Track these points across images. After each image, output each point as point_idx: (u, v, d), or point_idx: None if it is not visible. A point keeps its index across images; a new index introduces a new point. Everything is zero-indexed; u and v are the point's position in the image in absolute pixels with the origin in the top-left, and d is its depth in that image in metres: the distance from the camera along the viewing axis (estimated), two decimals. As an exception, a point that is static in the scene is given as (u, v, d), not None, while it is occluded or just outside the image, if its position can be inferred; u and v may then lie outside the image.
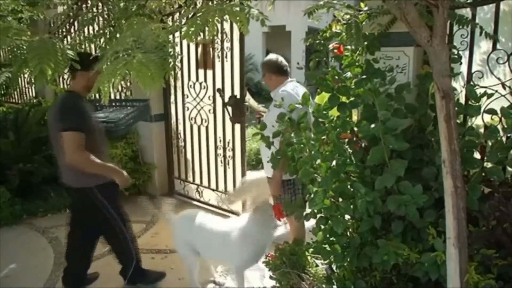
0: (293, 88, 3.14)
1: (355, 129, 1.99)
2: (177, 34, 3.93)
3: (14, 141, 4.76)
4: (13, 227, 4.23)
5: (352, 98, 1.97)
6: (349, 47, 2.10)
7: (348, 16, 2.16)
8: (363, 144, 2.01)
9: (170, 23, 4.05)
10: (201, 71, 4.44)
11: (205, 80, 4.34)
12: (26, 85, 7.26)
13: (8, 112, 5.78)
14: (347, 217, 1.96)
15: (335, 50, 2.07)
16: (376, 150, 1.74)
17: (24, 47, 2.06)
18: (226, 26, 3.92)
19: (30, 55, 1.85)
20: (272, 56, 3.33)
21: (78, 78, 2.55)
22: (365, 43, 2.06)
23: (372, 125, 1.77)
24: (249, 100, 6.95)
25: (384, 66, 2.07)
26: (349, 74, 2.04)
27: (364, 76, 1.92)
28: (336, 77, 1.96)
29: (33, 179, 4.60)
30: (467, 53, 2.26)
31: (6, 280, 3.27)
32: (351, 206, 1.85)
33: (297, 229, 3.15)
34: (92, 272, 3.19)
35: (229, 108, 4.12)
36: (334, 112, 1.98)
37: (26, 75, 2.98)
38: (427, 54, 1.64)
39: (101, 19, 3.43)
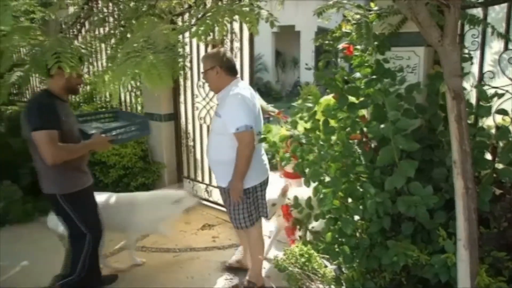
0: (250, 93, 2.78)
1: (365, 129, 1.98)
2: (186, 34, 3.96)
3: (26, 140, 4.82)
4: (24, 224, 4.28)
5: (361, 99, 1.96)
6: (358, 47, 2.10)
7: (358, 16, 2.15)
8: (372, 145, 2.00)
9: (180, 23, 4.08)
10: (210, 71, 4.44)
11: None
12: (38, 85, 7.36)
13: (20, 111, 5.84)
14: (356, 218, 1.96)
15: (345, 50, 2.06)
16: (385, 150, 1.73)
17: (39, 47, 2.09)
18: (236, 26, 3.93)
19: (48, 54, 1.87)
20: (221, 49, 2.90)
21: (55, 78, 2.47)
22: (375, 43, 2.05)
23: (382, 126, 1.77)
24: (258, 100, 6.94)
25: (394, 66, 2.06)
26: (358, 74, 2.04)
27: (374, 76, 1.92)
28: (346, 77, 1.96)
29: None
30: (478, 53, 2.24)
31: (18, 276, 3.32)
32: (361, 207, 1.85)
33: (255, 242, 2.96)
34: (111, 274, 3.22)
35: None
36: (343, 113, 1.98)
37: (37, 75, 3.01)
38: (438, 54, 1.64)
39: (111, 19, 3.46)
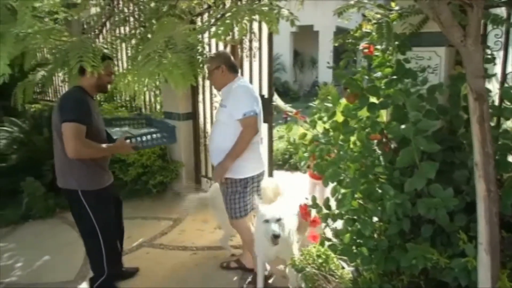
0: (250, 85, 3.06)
1: (385, 130, 1.96)
2: (205, 34, 3.99)
3: (48, 137, 4.92)
4: (46, 220, 4.39)
5: (381, 99, 1.94)
6: (379, 47, 2.08)
7: (379, 16, 2.14)
8: (392, 146, 1.98)
9: (199, 23, 4.11)
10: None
11: (233, 80, 4.36)
12: (60, 84, 7.52)
13: (43, 109, 5.99)
14: (374, 219, 1.94)
15: (365, 50, 2.05)
16: (406, 151, 1.71)
17: (64, 47, 2.14)
18: (255, 25, 3.93)
19: (71, 54, 1.92)
20: (223, 50, 3.17)
21: (88, 75, 2.47)
22: (396, 43, 2.03)
23: (403, 126, 1.75)
24: (276, 100, 6.96)
25: (415, 66, 2.04)
26: (379, 74, 2.02)
27: (394, 77, 1.90)
28: (366, 77, 1.95)
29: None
30: (501, 53, 2.20)
31: (41, 270, 3.40)
32: (379, 208, 1.83)
33: (244, 230, 3.07)
34: (132, 266, 3.27)
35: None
36: (363, 113, 1.96)
37: (60, 74, 3.07)
38: (460, 54, 1.61)
39: (132, 19, 3.51)
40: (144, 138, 2.74)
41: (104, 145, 2.59)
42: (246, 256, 3.25)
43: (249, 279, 3.14)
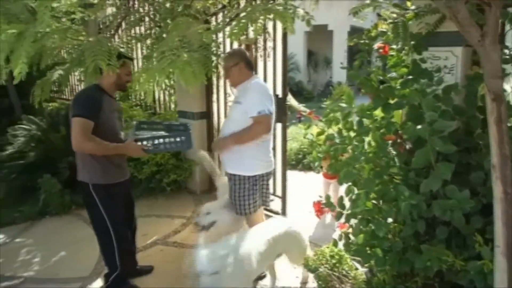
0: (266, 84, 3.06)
1: (400, 130, 1.95)
2: (219, 33, 4.00)
3: (65, 135, 5.00)
4: (62, 216, 4.46)
5: (396, 99, 1.93)
6: (394, 46, 2.07)
7: (394, 15, 2.12)
8: (407, 146, 1.97)
9: (214, 23, 4.13)
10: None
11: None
12: (77, 83, 7.63)
13: (60, 108, 6.09)
14: (389, 220, 1.93)
15: (381, 50, 2.04)
16: (421, 152, 1.70)
17: (80, 46, 2.17)
18: (269, 25, 3.93)
19: (87, 53, 1.95)
20: (240, 48, 3.17)
21: (108, 74, 2.54)
22: (412, 42, 2.01)
23: (418, 127, 1.73)
24: (290, 99, 6.93)
25: (431, 66, 2.02)
26: (394, 74, 2.00)
27: (410, 77, 1.88)
28: (381, 77, 1.93)
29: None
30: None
31: (58, 265, 3.46)
32: (394, 209, 1.82)
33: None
34: (147, 265, 3.30)
35: (270, 108, 4.13)
36: (378, 113, 1.95)
37: (76, 73, 3.12)
38: (478, 54, 1.59)
39: (147, 19, 3.54)
40: (156, 142, 2.74)
41: (111, 144, 2.62)
42: None
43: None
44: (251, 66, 2.98)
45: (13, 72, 2.03)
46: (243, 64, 2.88)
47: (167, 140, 2.78)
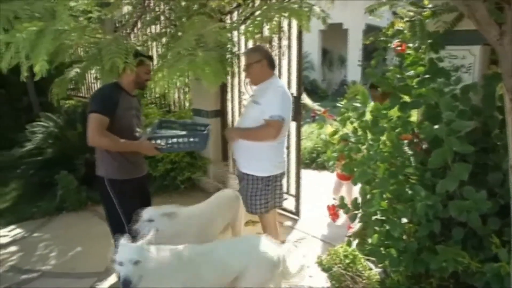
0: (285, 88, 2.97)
1: (416, 130, 1.93)
2: (234, 32, 4.00)
3: (81, 132, 5.08)
4: (78, 212, 4.53)
5: (413, 98, 1.91)
6: (411, 45, 2.04)
7: (411, 13, 2.10)
8: (423, 146, 1.95)
9: (229, 21, 4.14)
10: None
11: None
12: (93, 81, 7.73)
13: (77, 105, 6.18)
14: (404, 220, 1.91)
15: (398, 48, 2.02)
16: (438, 152, 1.68)
17: (97, 45, 2.20)
18: (284, 24, 3.92)
19: (104, 52, 1.97)
20: (264, 44, 3.10)
21: (127, 72, 2.53)
22: (429, 41, 1.99)
23: (435, 126, 1.71)
24: (304, 98, 6.92)
25: (448, 65, 1.99)
26: (411, 72, 1.98)
27: (427, 76, 1.86)
28: (398, 75, 1.91)
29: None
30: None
31: (74, 260, 3.53)
32: (409, 210, 1.80)
33: (270, 230, 3.08)
34: None
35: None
36: (393, 112, 1.94)
37: (92, 71, 3.16)
38: (496, 53, 1.57)
39: (162, 18, 3.57)
40: (170, 141, 2.76)
41: (123, 140, 2.65)
42: None
43: None
44: (273, 65, 2.92)
45: (32, 70, 2.08)
46: (266, 61, 2.82)
47: (181, 140, 2.79)
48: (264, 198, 2.95)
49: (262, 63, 2.81)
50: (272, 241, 2.94)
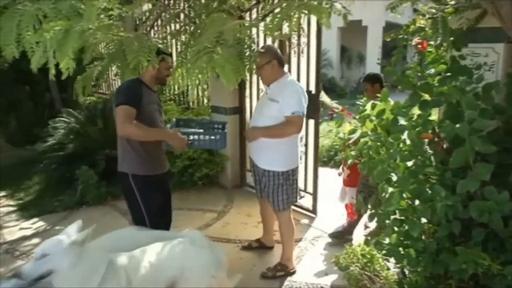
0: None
1: (437, 129, 1.90)
2: (253, 29, 4.00)
3: (102, 128, 5.18)
4: (98, 207, 4.62)
5: (434, 97, 1.88)
6: (432, 42, 2.01)
7: (433, 10, 2.07)
8: (444, 145, 1.92)
9: (248, 19, 4.14)
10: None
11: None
12: (113, 77, 7.84)
13: (98, 102, 6.28)
14: (423, 220, 1.89)
15: (419, 46, 1.99)
16: (459, 152, 1.65)
17: (119, 42, 2.23)
18: (303, 21, 3.90)
19: (127, 49, 2.01)
20: (272, 44, 3.19)
21: (148, 68, 2.62)
22: (451, 38, 1.95)
23: (457, 125, 1.68)
24: (322, 96, 6.87)
25: (471, 63, 1.96)
26: (432, 71, 1.95)
27: (448, 74, 1.83)
28: (419, 73, 1.89)
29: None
30: None
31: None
32: (429, 210, 1.78)
33: (287, 226, 3.16)
34: None
35: (303, 104, 4.12)
36: (414, 111, 1.91)
37: (113, 68, 3.21)
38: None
39: (182, 16, 3.60)
40: (191, 137, 2.81)
41: (155, 129, 2.71)
42: (284, 252, 3.23)
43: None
44: (283, 64, 3.01)
45: (57, 67, 2.13)
46: (275, 61, 2.91)
47: (201, 137, 2.85)
48: (286, 193, 3.02)
49: (273, 64, 2.90)
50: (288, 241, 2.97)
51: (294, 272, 3.19)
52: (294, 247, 3.44)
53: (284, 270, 3.19)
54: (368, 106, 2.06)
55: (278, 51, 3.04)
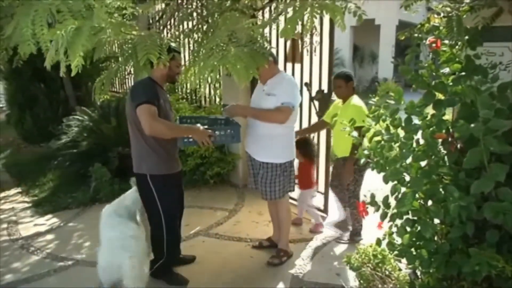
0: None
1: (451, 128, 1.88)
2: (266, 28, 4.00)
3: (115, 126, 5.23)
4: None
5: (448, 96, 1.86)
6: (446, 41, 1.99)
7: (448, 9, 2.04)
8: (458, 145, 1.89)
9: (260, 17, 4.14)
10: (289, 65, 4.47)
11: (293, 74, 4.35)
12: (126, 76, 7.92)
13: (111, 100, 6.35)
14: (436, 221, 1.87)
15: (434, 45, 1.96)
16: (474, 152, 1.63)
17: (132, 41, 2.25)
18: (315, 20, 3.89)
19: (139, 47, 2.02)
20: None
21: (159, 66, 2.62)
22: (466, 37, 1.93)
23: (472, 125, 1.66)
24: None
25: (486, 62, 1.93)
26: (446, 70, 1.93)
27: (463, 73, 1.81)
28: (433, 72, 1.87)
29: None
30: None
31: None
32: (442, 210, 1.76)
33: (285, 214, 3.36)
34: (190, 254, 3.40)
35: (316, 103, 4.11)
36: (428, 110, 1.89)
37: (126, 67, 3.25)
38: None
39: (195, 15, 3.62)
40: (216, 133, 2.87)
41: (180, 124, 2.73)
42: (283, 238, 3.42)
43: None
44: (277, 61, 3.26)
45: (68, 65, 2.15)
46: (271, 59, 3.05)
47: (217, 133, 2.90)
48: (282, 183, 3.18)
49: (269, 62, 2.98)
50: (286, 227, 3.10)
51: (291, 255, 3.41)
52: (306, 246, 3.52)
53: (286, 255, 3.37)
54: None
55: (270, 49, 3.24)
